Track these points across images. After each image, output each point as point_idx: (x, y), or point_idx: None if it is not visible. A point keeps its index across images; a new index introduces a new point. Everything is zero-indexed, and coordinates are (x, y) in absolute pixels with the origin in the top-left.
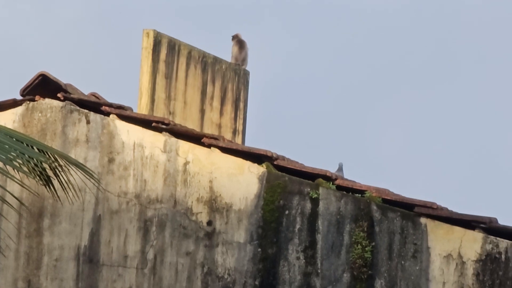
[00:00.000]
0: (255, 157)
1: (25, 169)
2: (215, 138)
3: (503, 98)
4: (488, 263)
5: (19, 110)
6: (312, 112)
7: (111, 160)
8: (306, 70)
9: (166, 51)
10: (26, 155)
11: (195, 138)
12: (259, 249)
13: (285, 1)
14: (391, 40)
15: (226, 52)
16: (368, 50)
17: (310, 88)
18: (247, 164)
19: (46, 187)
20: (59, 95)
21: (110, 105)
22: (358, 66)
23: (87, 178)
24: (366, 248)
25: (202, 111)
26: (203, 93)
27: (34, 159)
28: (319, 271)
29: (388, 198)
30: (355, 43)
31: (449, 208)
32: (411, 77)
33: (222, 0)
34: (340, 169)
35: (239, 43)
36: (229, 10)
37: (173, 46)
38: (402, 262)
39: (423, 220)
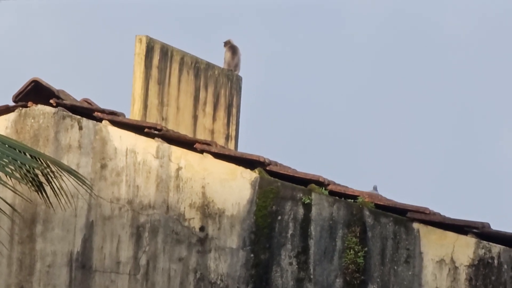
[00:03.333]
0: (248, 162)
1: (17, 175)
2: (208, 144)
3: (497, 101)
4: (481, 268)
5: (11, 116)
6: (304, 117)
7: (103, 166)
8: (298, 74)
9: (159, 57)
10: (19, 161)
11: (187, 143)
12: (252, 255)
13: (274, 6)
14: (383, 43)
15: (213, 57)
16: (360, 53)
17: (302, 93)
18: (240, 169)
19: (38, 193)
20: (51, 101)
21: (103, 111)
22: (350, 70)
23: (79, 184)
24: (359, 254)
25: (195, 117)
26: (196, 98)
27: (27, 165)
28: (311, 276)
29: (381, 203)
30: (345, 46)
31: (442, 213)
32: (402, 80)
33: (210, 8)
34: (375, 190)
35: (232, 48)
36: (218, 16)
37: (166, 52)
38: (395, 267)
39: (415, 225)
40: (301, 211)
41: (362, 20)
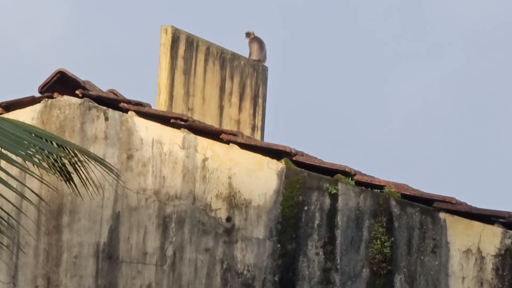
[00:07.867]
0: (274, 153)
1: (44, 165)
2: (234, 134)
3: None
4: (508, 258)
5: (37, 107)
6: (331, 107)
7: (129, 157)
8: (323, 64)
9: (184, 47)
10: (46, 151)
11: (213, 134)
12: (278, 245)
13: (292, 1)
14: (398, 33)
15: (226, 45)
16: (377, 44)
17: (328, 83)
18: (266, 160)
19: (66, 183)
20: (77, 92)
21: (129, 102)
22: (371, 57)
23: (107, 173)
24: (385, 244)
25: (221, 107)
26: (222, 89)
27: (54, 155)
28: (338, 266)
29: (407, 193)
30: (364, 36)
31: (468, 203)
32: (416, 69)
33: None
34: None
35: (257, 40)
36: (236, 7)
37: (191, 42)
38: (422, 258)
39: (442, 215)
40: (327, 201)
41: (379, 11)
